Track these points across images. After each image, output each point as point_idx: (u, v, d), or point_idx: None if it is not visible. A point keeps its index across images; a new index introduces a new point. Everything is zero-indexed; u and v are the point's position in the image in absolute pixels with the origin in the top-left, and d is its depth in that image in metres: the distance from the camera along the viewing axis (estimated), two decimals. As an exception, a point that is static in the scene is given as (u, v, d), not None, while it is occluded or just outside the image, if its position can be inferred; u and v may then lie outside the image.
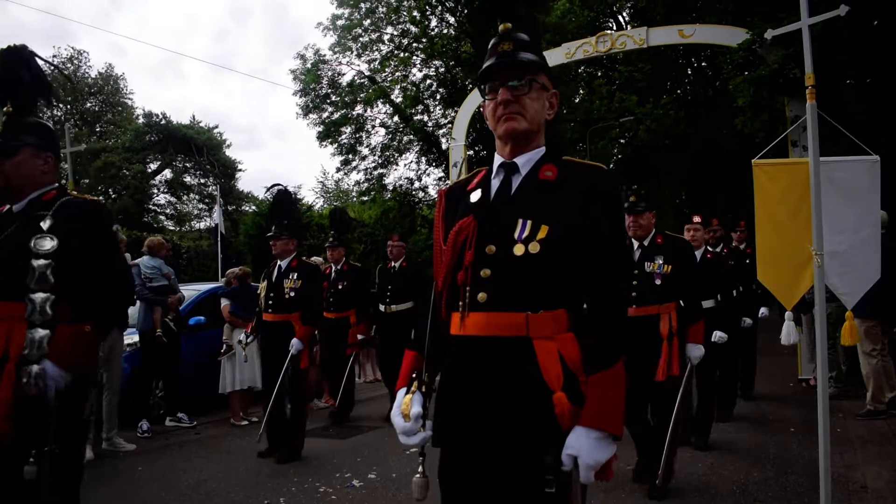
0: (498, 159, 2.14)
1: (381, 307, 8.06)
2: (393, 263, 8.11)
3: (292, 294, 6.27)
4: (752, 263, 7.37)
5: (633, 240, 5.01)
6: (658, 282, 4.83)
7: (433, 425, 2.04)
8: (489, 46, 2.14)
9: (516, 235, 1.95)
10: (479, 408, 1.92)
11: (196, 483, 5.57)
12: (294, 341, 6.10)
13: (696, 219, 6.58)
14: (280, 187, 6.82)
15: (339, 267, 8.12)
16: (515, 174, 2.08)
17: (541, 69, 2.09)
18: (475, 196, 2.13)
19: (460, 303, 2.02)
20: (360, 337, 8.13)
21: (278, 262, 6.47)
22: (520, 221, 1.97)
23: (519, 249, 1.93)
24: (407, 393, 2.05)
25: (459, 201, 2.17)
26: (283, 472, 5.78)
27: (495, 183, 2.11)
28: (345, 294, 8.01)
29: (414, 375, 2.10)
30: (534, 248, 1.92)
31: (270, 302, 6.35)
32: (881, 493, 4.72)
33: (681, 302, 4.98)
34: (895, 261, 5.07)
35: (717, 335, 6.23)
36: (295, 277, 6.32)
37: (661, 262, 4.86)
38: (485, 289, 1.95)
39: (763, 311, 8.58)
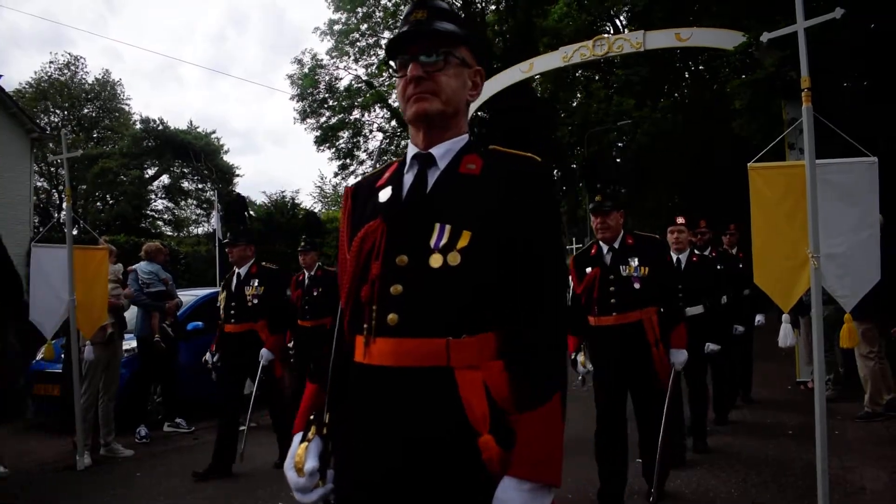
0: (412, 150, 1.79)
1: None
2: None
3: (255, 301, 6.04)
4: (745, 268, 7.31)
5: (601, 243, 4.70)
6: (637, 285, 4.49)
7: (333, 478, 1.70)
8: (403, 16, 1.80)
9: (433, 243, 1.60)
10: (387, 457, 1.57)
11: (195, 488, 5.56)
12: (263, 352, 5.92)
13: (680, 220, 6.20)
14: (234, 194, 6.74)
15: (312, 273, 7.62)
16: (432, 168, 1.74)
17: (461, 42, 1.76)
18: (384, 194, 1.78)
19: (365, 325, 1.65)
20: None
21: (237, 271, 6.24)
22: (437, 226, 1.62)
23: (436, 260, 1.59)
24: (303, 440, 1.70)
25: (368, 200, 1.82)
26: (280, 477, 5.74)
27: (408, 178, 1.76)
28: (320, 300, 7.51)
29: (312, 417, 1.74)
30: (454, 258, 1.59)
31: (232, 312, 6.11)
32: (879, 495, 4.72)
33: (661, 308, 4.70)
34: (891, 263, 5.07)
35: (710, 347, 6.00)
36: (256, 284, 6.09)
37: (636, 263, 4.53)
38: (395, 309, 1.60)
39: (759, 318, 8.27)
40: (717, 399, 6.98)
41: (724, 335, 6.52)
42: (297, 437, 1.73)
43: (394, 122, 26.45)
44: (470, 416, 1.54)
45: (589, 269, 4.67)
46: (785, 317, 4.98)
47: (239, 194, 6.83)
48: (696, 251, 6.62)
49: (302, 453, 1.67)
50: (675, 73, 24.43)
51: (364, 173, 27.67)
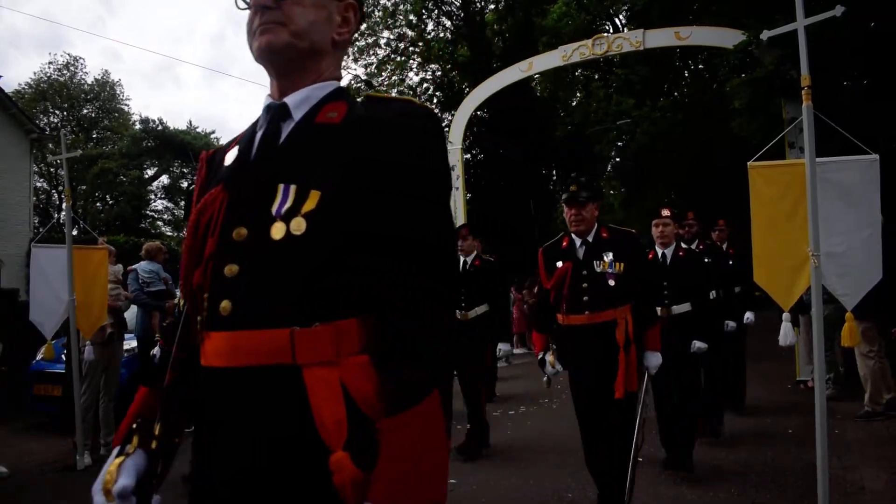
0: (266, 102, 1.46)
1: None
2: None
3: None
4: (737, 264, 7.21)
5: (574, 236, 4.33)
6: (611, 282, 4.15)
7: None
8: None
9: (274, 209, 1.27)
10: (226, 482, 1.27)
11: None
12: None
13: (665, 212, 5.78)
14: None
15: None
16: (286, 120, 1.40)
17: None
18: (231, 156, 1.47)
19: (199, 318, 1.35)
20: None
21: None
22: (280, 188, 1.29)
23: (278, 230, 1.25)
24: (119, 454, 1.37)
25: (220, 168, 1.50)
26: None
27: (260, 136, 1.43)
28: None
29: (135, 425, 1.42)
30: (298, 225, 1.25)
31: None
32: (879, 495, 4.72)
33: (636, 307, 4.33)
34: (891, 262, 5.07)
35: (696, 346, 5.50)
36: None
37: (611, 258, 4.18)
38: (228, 294, 1.28)
39: (749, 316, 7.52)
40: (709, 408, 6.43)
41: (713, 333, 6.03)
42: (114, 453, 1.40)
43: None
44: (320, 429, 1.22)
45: (560, 264, 4.32)
46: (785, 315, 4.97)
47: None
48: (684, 245, 6.29)
49: (114, 470, 1.33)
50: (675, 73, 24.42)
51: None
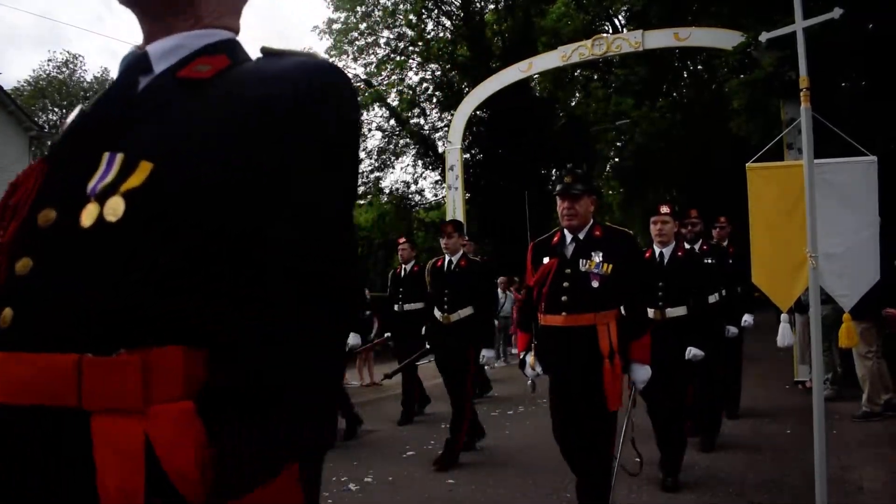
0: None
1: (438, 314, 6.48)
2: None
3: None
4: (737, 264, 6.95)
5: (566, 231, 4.01)
6: (595, 283, 3.80)
7: None
8: None
9: (90, 186, 0.89)
10: None
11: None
12: None
13: (664, 209, 5.39)
14: None
15: None
16: (146, 74, 1.02)
17: None
18: (71, 118, 1.07)
19: None
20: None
21: None
22: (105, 157, 0.91)
23: (89, 214, 0.88)
24: None
25: None
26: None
27: (104, 93, 1.08)
28: None
29: None
30: (114, 208, 0.86)
31: None
32: (877, 495, 4.72)
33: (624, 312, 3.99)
34: (889, 262, 5.08)
35: (692, 353, 5.13)
36: None
37: (599, 258, 3.83)
38: (13, 299, 0.89)
39: (747, 318, 7.11)
40: (703, 417, 6.16)
41: (711, 339, 5.67)
42: None
43: (392, 122, 26.45)
44: None
45: (546, 259, 4.02)
46: (784, 316, 4.99)
47: None
48: (686, 245, 6.08)
49: None
50: (674, 73, 24.45)
51: (363, 172, 27.83)
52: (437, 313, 6.44)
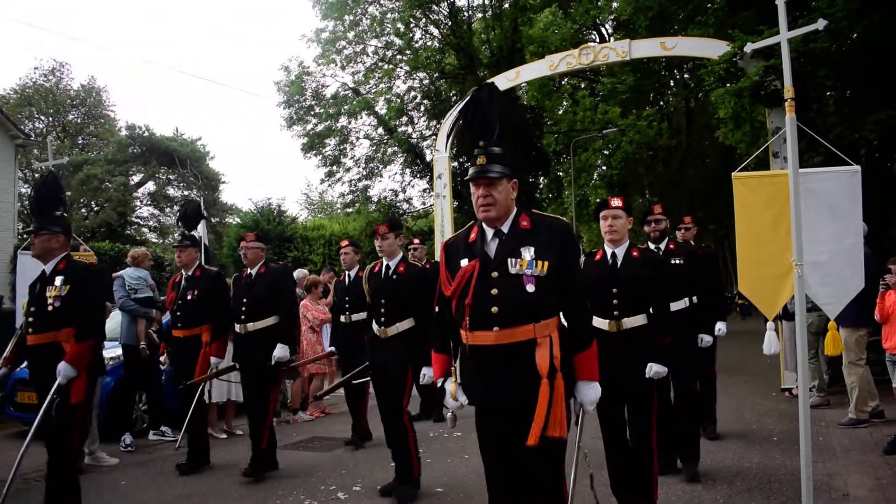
0: None
1: (375, 326, 5.71)
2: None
3: (57, 305, 4.68)
4: (709, 267, 6.51)
5: (484, 226, 3.16)
6: (530, 287, 2.97)
7: None
8: None
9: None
10: None
11: (180, 497, 5.53)
12: (61, 366, 4.55)
13: (615, 202, 4.60)
14: (46, 172, 5.58)
15: (190, 273, 6.41)
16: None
17: None
18: None
19: None
20: (213, 360, 6.29)
21: (42, 268, 4.94)
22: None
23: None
24: None
25: None
26: (267, 486, 5.74)
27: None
28: (195, 306, 6.29)
29: None
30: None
31: (31, 320, 4.86)
32: (863, 502, 4.76)
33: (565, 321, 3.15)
34: (878, 271, 5.13)
35: (653, 370, 4.36)
36: (60, 283, 4.72)
37: (531, 255, 3.00)
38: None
39: (720, 327, 6.34)
40: (682, 444, 5.58)
41: (680, 351, 5.11)
42: None
43: (380, 130, 26.44)
44: None
45: (465, 262, 3.11)
46: (769, 324, 5.01)
47: (54, 174, 5.44)
48: (652, 245, 5.81)
49: None
50: (661, 82, 24.64)
51: (351, 181, 27.81)
52: (374, 326, 5.65)
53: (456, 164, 22.82)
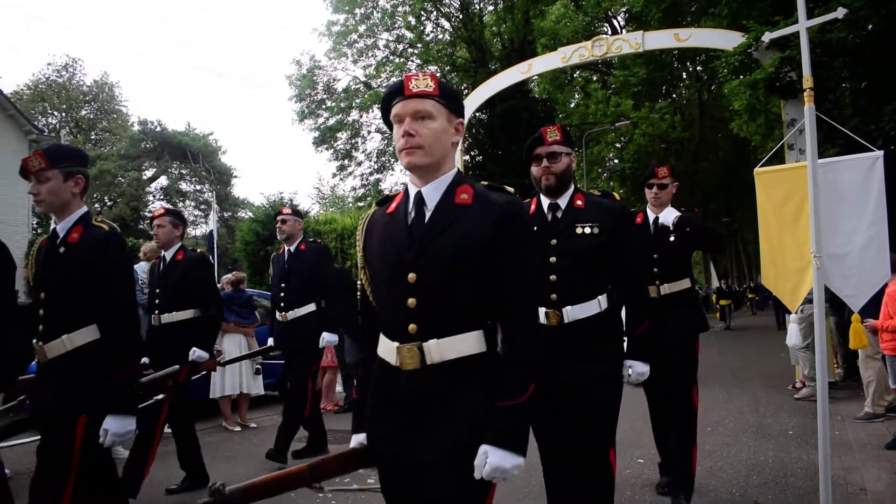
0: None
1: (277, 313, 5.77)
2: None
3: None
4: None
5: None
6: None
7: None
8: None
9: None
10: None
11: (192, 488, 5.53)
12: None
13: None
14: None
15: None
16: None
17: None
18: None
19: None
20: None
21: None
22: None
23: None
24: None
25: None
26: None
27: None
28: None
29: None
30: None
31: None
32: (880, 496, 4.71)
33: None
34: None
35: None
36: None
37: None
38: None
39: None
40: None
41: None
42: None
43: (392, 124, 26.47)
44: None
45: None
46: (793, 317, 4.91)
47: None
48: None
49: None
50: (674, 74, 24.52)
51: (362, 175, 27.84)
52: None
53: (468, 157, 22.82)
